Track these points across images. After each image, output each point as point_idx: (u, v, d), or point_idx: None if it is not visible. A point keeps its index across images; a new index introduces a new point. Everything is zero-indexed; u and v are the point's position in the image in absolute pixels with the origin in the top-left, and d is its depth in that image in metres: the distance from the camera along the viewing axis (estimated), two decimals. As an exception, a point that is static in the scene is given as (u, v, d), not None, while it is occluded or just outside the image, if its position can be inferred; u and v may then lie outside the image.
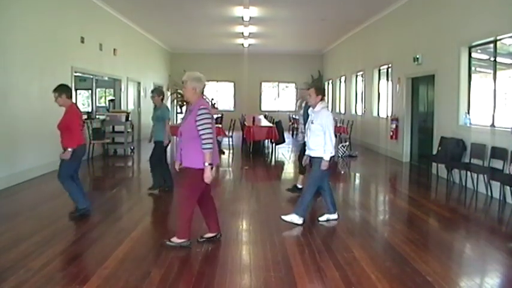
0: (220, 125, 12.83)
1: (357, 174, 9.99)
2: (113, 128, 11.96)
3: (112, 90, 14.66)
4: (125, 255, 4.28)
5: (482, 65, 8.27)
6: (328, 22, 13.95)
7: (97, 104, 12.96)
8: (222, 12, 12.93)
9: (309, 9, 12.28)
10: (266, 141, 13.17)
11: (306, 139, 5.63)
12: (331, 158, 5.29)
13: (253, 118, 13.03)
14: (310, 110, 5.62)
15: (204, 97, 4.59)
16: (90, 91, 12.88)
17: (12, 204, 6.46)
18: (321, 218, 5.54)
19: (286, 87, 22.70)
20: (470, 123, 7.92)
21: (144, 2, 11.90)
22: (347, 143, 12.35)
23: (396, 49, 11.48)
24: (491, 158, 7.03)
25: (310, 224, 5.43)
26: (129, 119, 12.10)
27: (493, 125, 7.25)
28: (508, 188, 6.51)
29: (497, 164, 6.85)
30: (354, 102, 16.07)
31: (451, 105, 8.36)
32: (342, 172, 10.21)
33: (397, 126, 11.11)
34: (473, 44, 7.90)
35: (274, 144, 12.73)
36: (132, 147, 12.40)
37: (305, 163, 5.81)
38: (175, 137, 14.05)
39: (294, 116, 18.48)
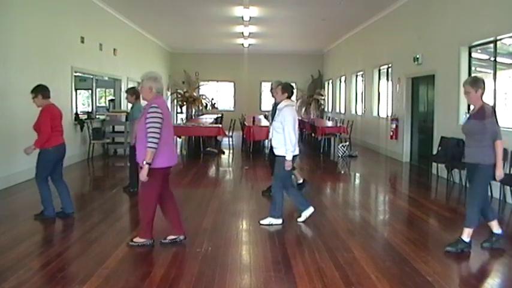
0: (220, 125, 12.83)
1: (357, 174, 9.99)
2: (113, 128, 11.96)
3: (112, 90, 14.66)
4: (125, 255, 4.28)
5: (482, 65, 8.27)
6: (328, 22, 13.94)
7: (97, 104, 12.96)
8: (222, 12, 12.92)
9: (309, 9, 12.28)
10: (266, 141, 13.15)
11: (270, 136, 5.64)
12: (294, 157, 5.26)
13: (253, 118, 13.04)
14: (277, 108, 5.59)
15: (162, 97, 4.53)
16: (90, 91, 12.89)
17: (12, 205, 6.46)
18: (262, 221, 5.38)
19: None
20: (470, 123, 7.90)
21: (144, 2, 11.90)
22: (347, 143, 12.34)
23: (396, 49, 11.47)
24: (491, 158, 7.02)
25: (310, 224, 5.42)
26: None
27: (493, 125, 7.24)
28: (508, 188, 6.51)
29: (497, 164, 6.84)
30: (354, 102, 16.07)
31: (451, 105, 8.36)
32: (342, 172, 10.22)
33: (397, 126, 11.11)
34: (473, 44, 7.90)
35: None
36: (132, 147, 12.38)
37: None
38: (175, 136, 14.06)
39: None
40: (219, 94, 22.31)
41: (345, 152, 11.92)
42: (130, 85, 14.75)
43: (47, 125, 5.32)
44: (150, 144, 4.19)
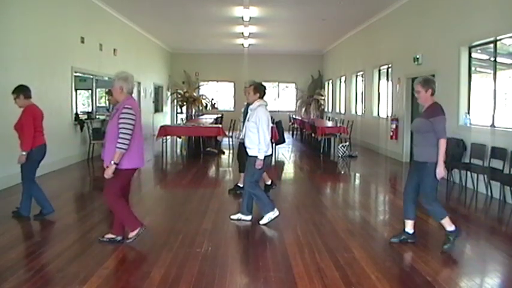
0: (220, 125, 12.82)
1: (357, 175, 9.99)
2: (113, 128, 11.94)
3: (112, 90, 14.65)
4: (125, 255, 4.28)
5: (482, 65, 8.27)
6: (328, 22, 13.95)
7: (97, 104, 12.95)
8: (222, 12, 12.93)
9: (309, 9, 12.28)
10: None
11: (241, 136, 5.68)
12: (265, 157, 5.28)
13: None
14: (249, 108, 5.62)
15: (133, 98, 4.54)
16: (90, 91, 12.87)
17: (12, 205, 6.45)
18: (233, 216, 5.52)
19: (286, 87, 22.69)
20: (470, 123, 7.91)
21: (144, 2, 11.90)
22: (347, 143, 12.34)
23: (396, 49, 11.48)
24: (491, 158, 7.03)
25: (310, 224, 5.43)
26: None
27: (493, 125, 7.25)
28: (508, 188, 6.51)
29: (497, 164, 6.85)
30: (354, 102, 16.07)
31: (451, 105, 8.34)
32: (342, 172, 10.22)
33: (397, 126, 11.11)
34: (473, 44, 7.90)
35: (274, 144, 12.70)
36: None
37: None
38: (175, 137, 14.04)
39: (294, 116, 18.48)
40: (219, 94, 22.30)
41: (345, 152, 11.91)
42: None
43: (30, 125, 5.29)
44: (120, 145, 4.20)
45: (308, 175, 9.56)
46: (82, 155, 10.53)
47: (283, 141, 12.56)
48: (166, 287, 3.57)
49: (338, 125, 13.54)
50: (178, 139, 14.22)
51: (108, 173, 4.26)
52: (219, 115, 17.66)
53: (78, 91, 13.34)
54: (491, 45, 7.42)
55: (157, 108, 19.11)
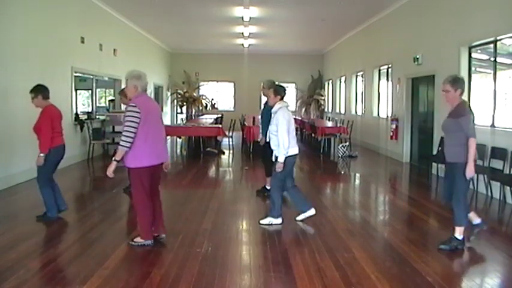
0: (220, 125, 12.83)
1: (357, 175, 9.99)
2: (113, 128, 11.95)
3: (112, 90, 14.66)
4: (125, 255, 4.28)
5: (482, 65, 8.27)
6: (328, 22, 13.94)
7: (97, 104, 12.97)
8: (222, 12, 12.92)
9: (309, 9, 12.28)
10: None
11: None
12: (290, 156, 5.25)
13: (253, 118, 12.99)
14: (272, 111, 5.56)
15: (145, 95, 4.50)
16: (90, 91, 12.89)
17: (12, 205, 6.46)
18: (262, 221, 5.39)
19: (286, 87, 22.62)
20: (470, 124, 7.90)
21: (144, 2, 11.89)
22: (347, 143, 12.34)
23: (396, 49, 11.48)
24: (491, 158, 7.03)
25: (310, 224, 5.42)
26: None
27: (493, 125, 7.24)
28: (508, 188, 6.51)
29: (497, 164, 6.84)
30: (354, 102, 16.07)
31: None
32: (342, 172, 10.22)
33: (397, 126, 11.11)
34: (473, 44, 7.89)
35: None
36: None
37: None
38: (175, 137, 14.05)
39: (294, 116, 18.44)
40: (219, 94, 22.30)
41: (345, 152, 11.91)
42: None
43: (48, 127, 5.26)
44: (122, 143, 4.19)
45: (308, 175, 9.55)
46: (82, 155, 10.53)
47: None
48: (166, 287, 3.57)
49: (338, 125, 13.55)
50: (178, 139, 14.23)
51: (110, 171, 4.25)
52: (219, 115, 17.67)
53: (78, 91, 13.37)
54: (491, 45, 7.42)
55: (157, 109, 19.08)
